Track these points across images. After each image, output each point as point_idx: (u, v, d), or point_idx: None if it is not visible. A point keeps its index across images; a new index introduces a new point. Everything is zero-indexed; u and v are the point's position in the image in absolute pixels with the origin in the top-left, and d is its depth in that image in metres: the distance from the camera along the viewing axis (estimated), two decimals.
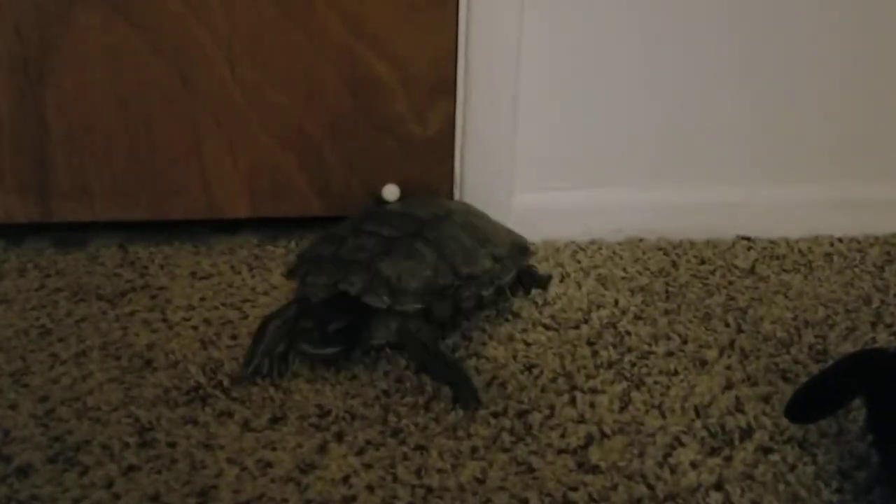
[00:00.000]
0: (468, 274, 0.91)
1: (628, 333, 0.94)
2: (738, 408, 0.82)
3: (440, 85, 1.09)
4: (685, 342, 0.93)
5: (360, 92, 1.09)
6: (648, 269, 1.09)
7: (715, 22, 1.10)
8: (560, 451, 0.76)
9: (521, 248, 1.00)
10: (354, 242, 0.90)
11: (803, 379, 0.84)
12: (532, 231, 1.09)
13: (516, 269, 0.97)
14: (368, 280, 0.86)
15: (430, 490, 0.71)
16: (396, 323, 0.87)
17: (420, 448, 0.76)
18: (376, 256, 0.87)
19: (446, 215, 0.96)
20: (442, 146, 1.12)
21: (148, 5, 1.02)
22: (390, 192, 1.11)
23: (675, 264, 1.11)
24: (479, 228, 0.97)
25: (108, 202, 1.10)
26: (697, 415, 0.81)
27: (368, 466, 0.74)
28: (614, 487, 0.72)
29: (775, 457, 0.76)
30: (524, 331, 0.94)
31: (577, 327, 0.95)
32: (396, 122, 1.11)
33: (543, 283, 1.03)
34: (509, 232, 1.02)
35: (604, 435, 0.78)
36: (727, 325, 0.97)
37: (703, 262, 1.11)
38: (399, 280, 0.86)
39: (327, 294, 0.86)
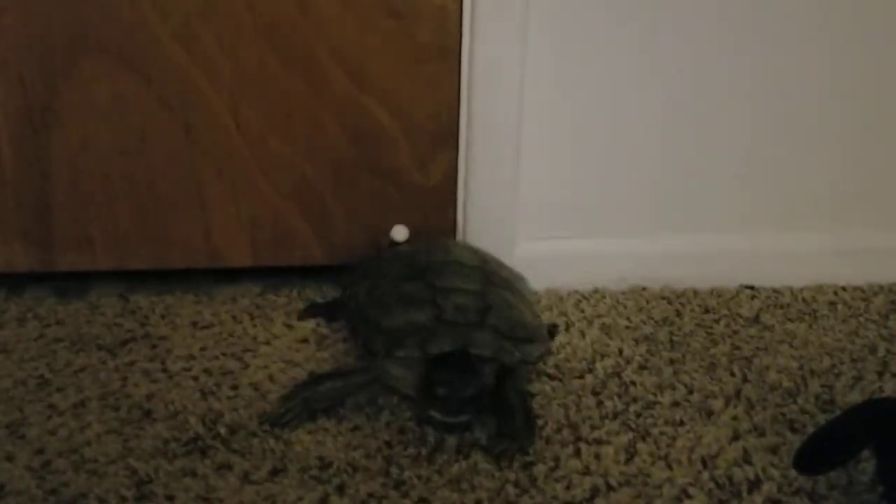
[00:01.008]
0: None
1: (633, 383, 0.93)
2: (746, 459, 0.81)
3: (442, 135, 1.10)
4: (691, 392, 0.92)
5: (363, 142, 1.09)
6: (652, 318, 1.08)
7: (717, 70, 1.11)
8: None
9: (551, 327, 1.02)
10: (453, 302, 0.87)
11: (811, 429, 0.83)
12: (535, 279, 1.09)
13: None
14: (495, 338, 0.84)
15: None
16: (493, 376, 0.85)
17: (423, 501, 0.75)
18: (482, 313, 0.86)
19: (483, 262, 0.98)
20: (444, 195, 1.13)
21: (152, 56, 1.03)
22: (400, 232, 1.11)
23: (679, 313, 1.10)
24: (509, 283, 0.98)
25: (109, 252, 1.10)
26: (704, 466, 0.80)
27: None
28: None
29: None
30: (529, 381, 0.93)
31: (581, 377, 0.94)
32: (399, 171, 1.11)
33: (552, 332, 1.03)
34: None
35: (609, 487, 0.77)
36: (733, 374, 0.96)
37: (707, 311, 1.11)
38: (513, 331, 0.86)
39: (418, 365, 0.83)
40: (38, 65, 1.02)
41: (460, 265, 0.94)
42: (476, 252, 1.02)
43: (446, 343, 0.82)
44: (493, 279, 0.92)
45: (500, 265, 1.01)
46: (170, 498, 0.74)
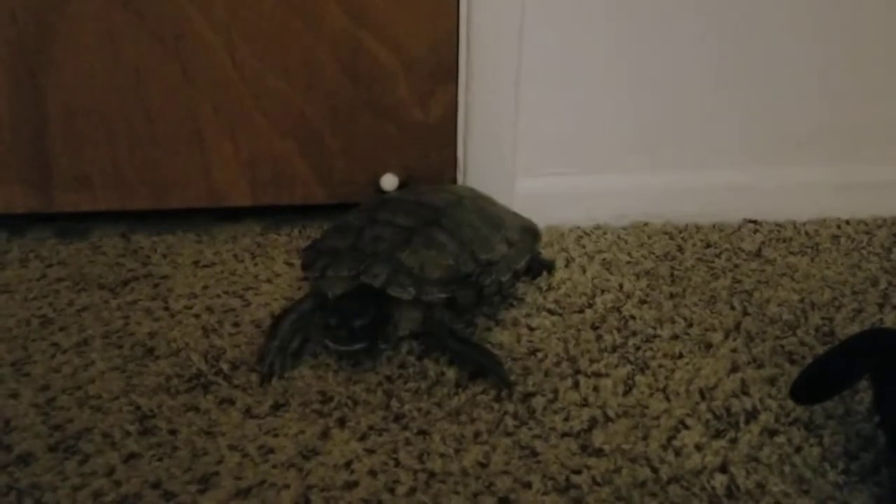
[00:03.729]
0: (487, 260, 0.90)
1: (633, 317, 0.94)
2: (744, 390, 0.81)
3: (442, 70, 1.08)
4: (690, 325, 0.92)
5: (361, 78, 1.08)
6: (653, 254, 1.08)
7: (721, 4, 1.08)
8: (563, 435, 0.76)
9: (532, 232, 0.99)
10: (371, 233, 0.88)
11: (809, 361, 0.83)
12: (536, 216, 1.08)
13: (529, 253, 0.96)
14: (391, 271, 0.84)
15: (432, 475, 0.71)
16: (420, 313, 0.86)
17: (423, 433, 0.76)
18: (396, 247, 0.86)
19: (458, 202, 0.95)
20: (444, 132, 1.12)
21: None
22: (388, 181, 1.11)
23: (680, 248, 1.10)
24: (491, 213, 0.96)
25: (109, 192, 1.10)
26: (702, 397, 0.80)
27: (371, 452, 0.73)
28: (618, 470, 0.71)
29: (781, 439, 0.75)
30: (528, 315, 0.94)
31: (581, 312, 0.95)
32: (398, 108, 1.10)
33: (549, 267, 1.03)
34: (517, 216, 1.01)
35: (607, 418, 0.78)
36: (733, 307, 0.96)
37: (708, 246, 1.10)
38: (422, 270, 0.85)
39: (346, 287, 0.85)
40: (30, 2, 1.00)
41: (417, 204, 0.93)
42: (464, 196, 0.98)
43: (342, 269, 0.84)
44: (443, 222, 0.90)
45: (491, 214, 0.97)
46: (173, 432, 0.75)
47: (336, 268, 0.85)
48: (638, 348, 0.88)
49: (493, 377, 0.82)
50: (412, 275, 0.84)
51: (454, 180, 1.14)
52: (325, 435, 0.75)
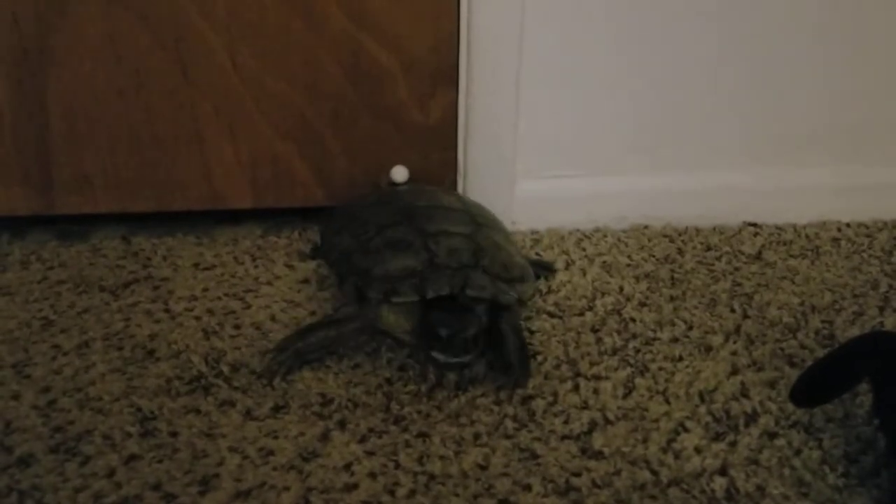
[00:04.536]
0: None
1: (633, 320, 0.94)
2: (744, 393, 0.81)
3: (442, 72, 1.08)
4: (690, 328, 0.92)
5: (361, 80, 1.08)
6: (654, 256, 1.08)
7: (720, 5, 1.09)
8: (563, 438, 0.76)
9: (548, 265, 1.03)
10: (445, 246, 0.85)
11: (809, 363, 0.83)
12: (536, 219, 1.09)
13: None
14: (491, 280, 0.83)
15: (432, 477, 0.71)
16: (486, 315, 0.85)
17: (422, 435, 0.76)
18: (474, 255, 0.85)
19: (463, 205, 0.97)
20: (444, 134, 1.12)
21: None
22: (399, 173, 1.11)
23: (680, 251, 1.10)
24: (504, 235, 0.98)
25: (110, 194, 1.10)
26: (702, 400, 0.81)
27: (371, 454, 0.73)
28: (617, 473, 0.72)
29: (780, 441, 0.75)
30: (528, 318, 0.94)
31: (581, 314, 0.95)
32: (398, 109, 1.10)
33: (549, 270, 1.03)
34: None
35: (607, 421, 0.78)
36: (733, 310, 0.96)
37: (708, 249, 1.10)
38: (507, 271, 0.85)
39: (414, 307, 0.83)
40: (32, 4, 1.00)
41: (446, 209, 0.93)
42: (458, 197, 1.01)
43: (443, 286, 0.82)
44: (479, 221, 0.91)
45: (481, 208, 1.00)
46: (173, 434, 0.75)
47: (435, 286, 0.82)
48: (638, 351, 0.88)
49: (517, 375, 0.82)
50: (501, 278, 0.84)
51: (454, 182, 1.14)
52: (325, 437, 0.75)
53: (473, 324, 0.80)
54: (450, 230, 0.88)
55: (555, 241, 1.11)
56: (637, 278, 1.03)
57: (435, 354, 0.79)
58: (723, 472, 0.72)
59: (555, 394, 0.81)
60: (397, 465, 0.72)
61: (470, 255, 0.85)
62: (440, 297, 0.81)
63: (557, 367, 0.85)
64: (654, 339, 0.90)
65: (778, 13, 1.10)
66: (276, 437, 0.75)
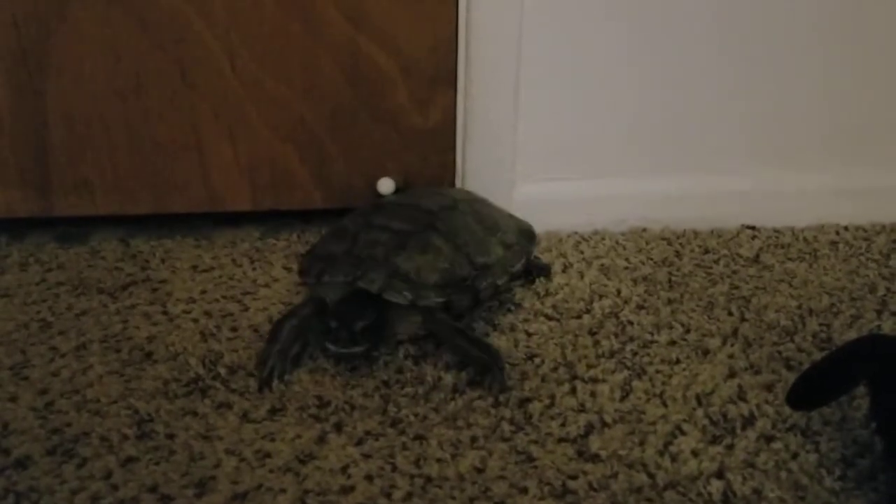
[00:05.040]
0: (483, 263, 0.90)
1: (630, 323, 0.94)
2: (741, 396, 0.81)
3: (441, 75, 1.09)
4: (688, 331, 0.92)
5: (360, 83, 1.08)
6: (651, 259, 1.08)
7: (716, 10, 1.09)
8: (560, 440, 0.76)
9: (527, 234, 1.00)
10: (367, 238, 0.88)
11: (807, 367, 0.83)
12: (535, 221, 1.08)
13: (525, 256, 0.96)
14: (388, 277, 0.84)
15: (429, 479, 0.71)
16: (419, 316, 0.87)
17: (419, 438, 0.76)
18: (392, 251, 0.86)
19: (453, 205, 0.95)
20: (443, 137, 1.12)
21: None
22: (385, 185, 1.11)
23: (678, 254, 1.10)
24: (486, 216, 0.96)
25: (108, 196, 1.10)
26: (699, 403, 0.81)
27: (367, 456, 0.73)
28: (614, 476, 0.72)
29: (777, 445, 0.75)
30: (526, 321, 0.94)
31: (578, 317, 0.95)
32: (397, 113, 1.10)
33: (545, 271, 1.03)
34: (513, 217, 1.01)
35: (604, 424, 0.78)
36: (730, 313, 0.96)
37: (706, 252, 1.11)
38: (418, 274, 0.85)
39: (344, 292, 0.85)
40: (31, 7, 1.01)
41: (413, 208, 0.93)
42: (459, 199, 0.97)
43: (339, 274, 0.85)
44: (438, 226, 0.90)
45: (486, 216, 0.97)
46: (170, 436, 0.76)
47: (332, 273, 0.86)
48: (635, 354, 0.88)
49: (490, 378, 0.82)
50: (408, 280, 0.85)
51: (453, 185, 1.14)
52: (321, 439, 0.75)
53: (364, 317, 0.82)
54: (389, 225, 0.89)
55: (553, 244, 1.11)
56: (635, 281, 1.03)
57: (327, 344, 0.82)
58: (720, 475, 0.72)
59: (552, 396, 0.81)
60: (394, 468, 0.72)
61: (384, 251, 0.86)
62: (360, 289, 0.84)
63: (555, 369, 0.85)
64: (652, 342, 0.90)
65: (778, 18, 1.10)
66: (272, 440, 0.75)
